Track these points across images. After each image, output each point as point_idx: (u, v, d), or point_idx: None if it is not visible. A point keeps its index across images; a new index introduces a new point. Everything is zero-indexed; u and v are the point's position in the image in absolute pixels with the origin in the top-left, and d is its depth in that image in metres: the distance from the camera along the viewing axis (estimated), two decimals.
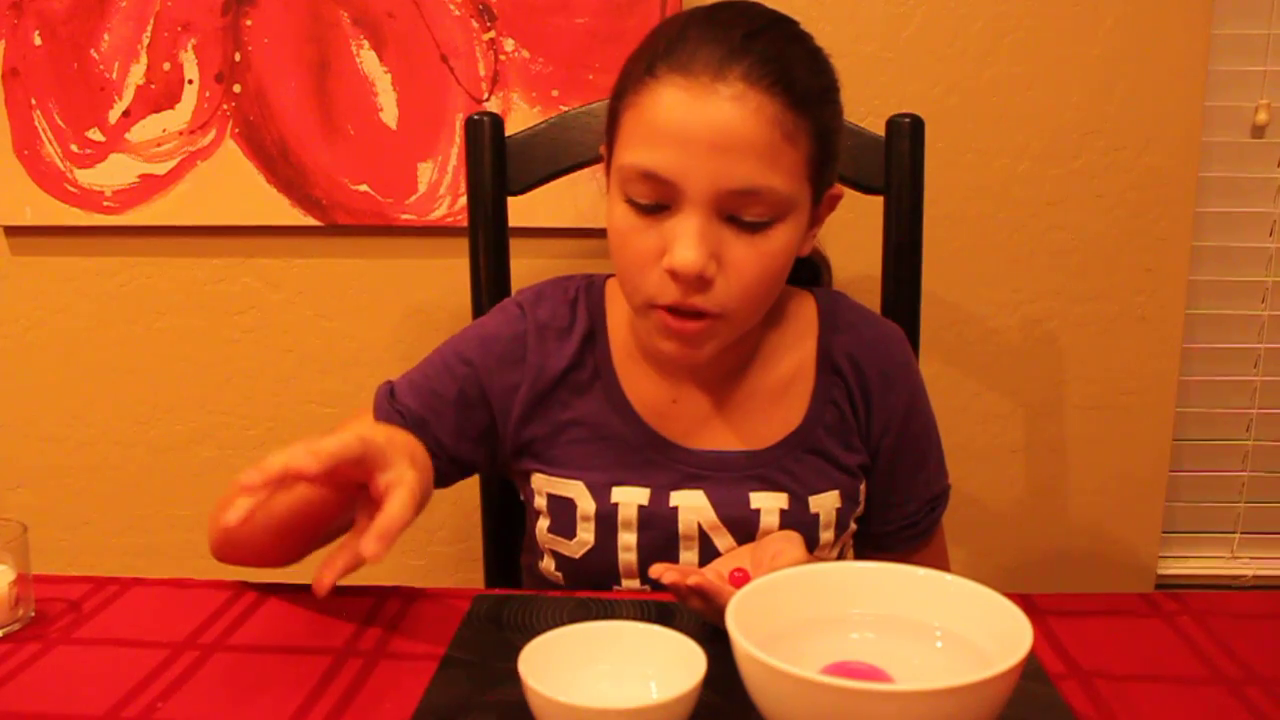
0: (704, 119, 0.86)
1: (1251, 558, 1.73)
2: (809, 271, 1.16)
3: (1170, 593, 0.96)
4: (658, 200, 0.90)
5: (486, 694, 0.79)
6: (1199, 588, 1.71)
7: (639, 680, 0.75)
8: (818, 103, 0.91)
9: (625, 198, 0.91)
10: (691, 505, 1.00)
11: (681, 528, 1.00)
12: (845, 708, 0.61)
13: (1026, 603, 0.92)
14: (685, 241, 0.88)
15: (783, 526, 1.00)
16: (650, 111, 0.89)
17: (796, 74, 0.88)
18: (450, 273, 1.61)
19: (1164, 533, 1.69)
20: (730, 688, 0.69)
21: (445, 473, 1.05)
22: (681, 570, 0.84)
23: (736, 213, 0.89)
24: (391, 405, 1.04)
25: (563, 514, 1.02)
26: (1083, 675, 0.82)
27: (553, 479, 1.03)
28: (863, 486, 1.06)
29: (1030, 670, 0.81)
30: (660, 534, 1.00)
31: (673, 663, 0.73)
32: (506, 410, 1.04)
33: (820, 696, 0.61)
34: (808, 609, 0.75)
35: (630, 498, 1.00)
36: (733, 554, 0.96)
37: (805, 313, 1.06)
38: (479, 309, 1.27)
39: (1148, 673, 0.83)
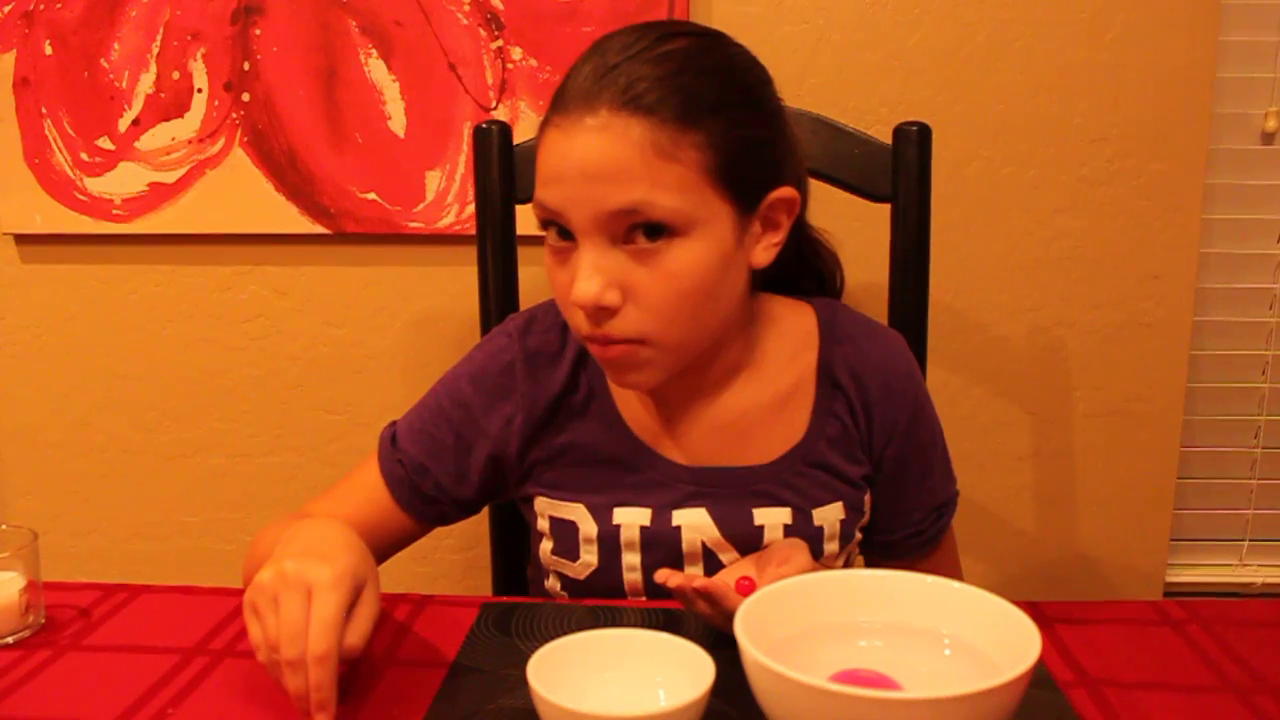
0: (574, 152, 0.88)
1: (1260, 565, 1.73)
2: (813, 277, 1.15)
3: (1179, 601, 0.96)
4: (561, 236, 0.91)
5: (495, 701, 0.79)
6: (1207, 595, 1.71)
7: (647, 688, 0.75)
8: (710, 111, 0.88)
9: (545, 239, 0.94)
10: (694, 524, 1.00)
11: (685, 546, 1.00)
12: (854, 715, 0.61)
13: (1034, 610, 0.92)
14: (580, 274, 0.89)
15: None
16: (540, 153, 0.92)
17: (671, 90, 0.87)
18: (458, 280, 1.62)
19: (1172, 540, 1.68)
20: (739, 695, 0.69)
21: (448, 514, 1.07)
22: (687, 575, 0.84)
23: (628, 236, 0.89)
24: (393, 453, 1.05)
25: (565, 536, 1.02)
26: (1091, 683, 0.82)
27: (554, 502, 1.03)
28: (867, 497, 1.05)
29: (1038, 678, 0.81)
30: (664, 553, 1.00)
31: (681, 670, 0.73)
32: (506, 442, 1.04)
33: (829, 704, 0.61)
34: (816, 616, 0.75)
35: (632, 518, 1.00)
36: (738, 563, 0.96)
37: (804, 325, 1.05)
38: (486, 316, 1.27)
39: (1156, 680, 0.83)
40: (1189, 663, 0.86)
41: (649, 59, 0.89)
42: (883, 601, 0.76)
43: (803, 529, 1.00)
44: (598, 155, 0.87)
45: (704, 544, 1.00)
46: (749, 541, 1.00)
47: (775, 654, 0.64)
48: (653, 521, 1.00)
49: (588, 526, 1.01)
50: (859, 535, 1.07)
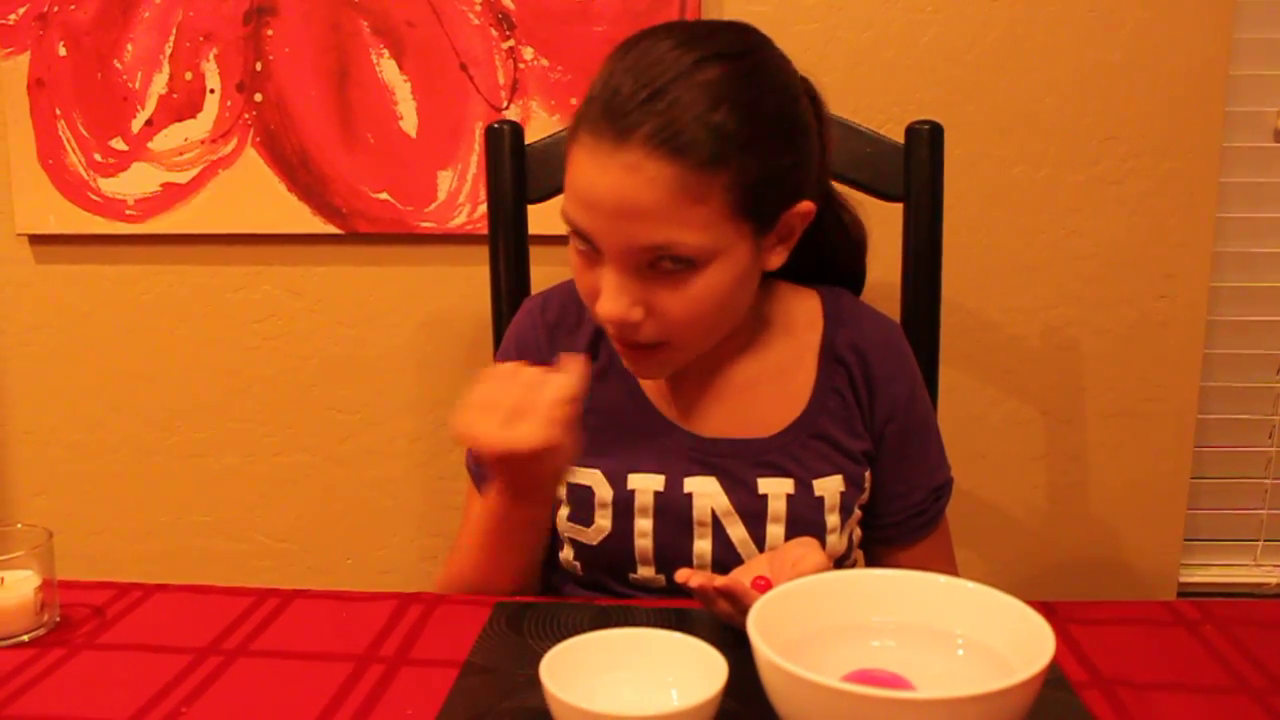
0: (605, 186, 0.89)
1: (1275, 565, 1.72)
2: (848, 253, 1.15)
3: (1193, 601, 0.96)
4: (586, 243, 0.94)
5: (507, 701, 0.79)
6: (1221, 596, 1.70)
7: (660, 687, 0.75)
8: (740, 149, 0.89)
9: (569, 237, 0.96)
10: (704, 491, 1.03)
11: (696, 514, 1.03)
12: (867, 715, 0.61)
13: (1048, 610, 0.92)
14: (605, 293, 0.93)
15: (789, 511, 1.02)
16: (572, 168, 0.93)
17: (701, 132, 0.88)
18: (470, 280, 1.62)
19: (1186, 540, 1.67)
20: (751, 695, 0.69)
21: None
22: (707, 574, 0.85)
23: (654, 264, 0.92)
24: (482, 471, 1.09)
25: (581, 502, 1.05)
26: (1105, 683, 0.82)
27: (572, 467, 1.05)
28: (867, 474, 1.08)
29: (1052, 678, 0.80)
30: (675, 520, 1.03)
31: (694, 670, 0.73)
32: None
33: (842, 704, 0.61)
34: (829, 616, 0.75)
35: (646, 484, 1.03)
36: (752, 563, 0.97)
37: (809, 307, 1.10)
38: (499, 316, 1.27)
39: (1171, 681, 0.82)
40: (1203, 663, 0.85)
41: (687, 88, 0.89)
42: (896, 602, 0.76)
43: (804, 499, 1.03)
44: (627, 194, 0.88)
45: (714, 512, 1.03)
46: (754, 510, 1.03)
47: (788, 654, 0.63)
48: (666, 488, 1.03)
49: (603, 491, 1.04)
50: (859, 513, 1.09)
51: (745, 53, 0.93)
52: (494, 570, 1.03)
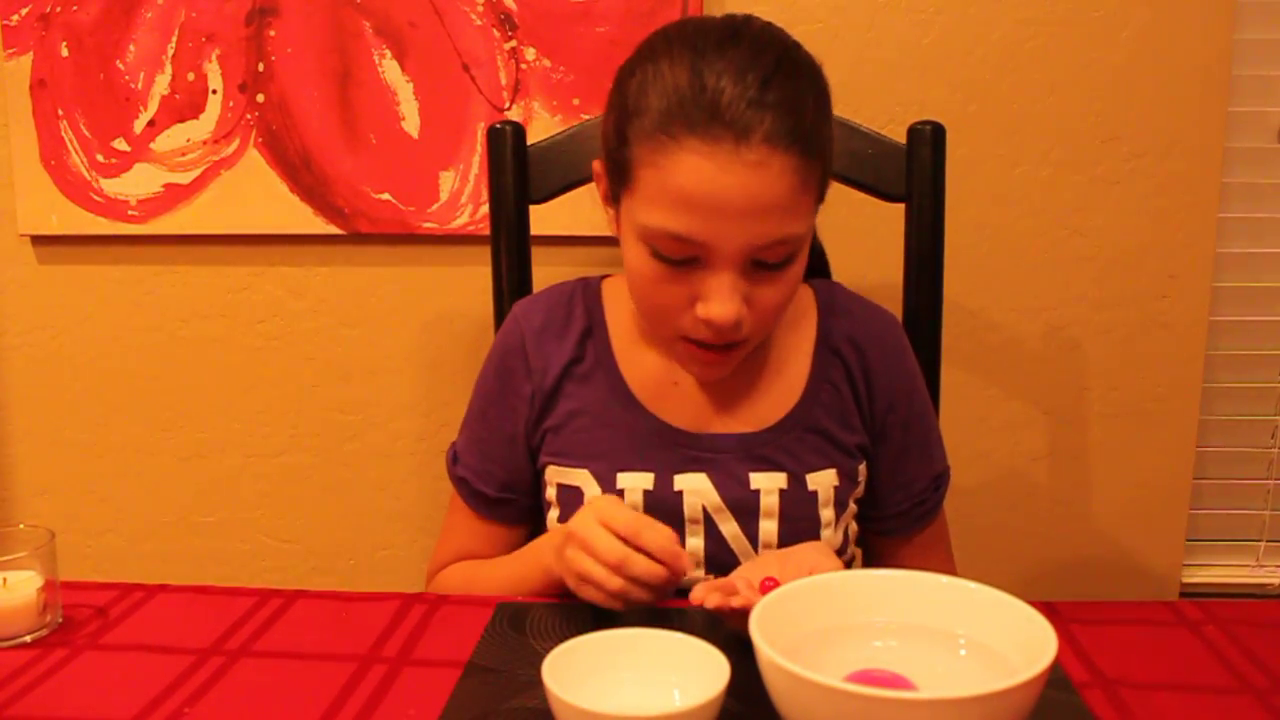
0: (732, 187, 0.88)
1: (1277, 566, 1.72)
2: (817, 260, 1.20)
3: (1195, 601, 0.96)
4: (686, 256, 0.92)
5: (509, 701, 0.79)
6: (1223, 596, 1.70)
7: (662, 688, 0.75)
8: (827, 141, 0.94)
9: (651, 251, 0.93)
10: (695, 488, 1.02)
11: (687, 511, 1.02)
12: (869, 716, 0.61)
13: (1050, 610, 0.92)
14: (723, 296, 0.92)
15: (782, 505, 1.02)
16: (675, 177, 0.89)
17: (808, 121, 0.90)
18: (472, 281, 1.62)
19: (1188, 541, 1.67)
20: (754, 696, 0.69)
21: (529, 505, 1.11)
22: (723, 592, 0.84)
23: (763, 258, 0.92)
24: (455, 470, 1.12)
25: (572, 502, 1.05)
26: (1107, 684, 0.82)
27: (562, 469, 1.06)
28: (862, 467, 1.08)
29: (1054, 679, 0.81)
30: (666, 518, 1.00)
31: (696, 670, 0.73)
32: (530, 419, 1.08)
33: (844, 704, 0.61)
34: (831, 617, 0.75)
35: (636, 483, 1.03)
36: (761, 562, 0.96)
37: (803, 299, 1.10)
38: (500, 317, 1.27)
39: (1172, 681, 0.83)
40: (1205, 663, 0.85)
41: (789, 77, 0.90)
42: (898, 602, 0.76)
43: (797, 494, 1.03)
44: (757, 190, 0.88)
45: (705, 509, 1.02)
46: (746, 506, 1.03)
47: (790, 654, 0.64)
48: (655, 486, 1.03)
49: (592, 491, 1.04)
50: (854, 507, 1.09)
51: (798, 44, 0.95)
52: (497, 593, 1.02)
